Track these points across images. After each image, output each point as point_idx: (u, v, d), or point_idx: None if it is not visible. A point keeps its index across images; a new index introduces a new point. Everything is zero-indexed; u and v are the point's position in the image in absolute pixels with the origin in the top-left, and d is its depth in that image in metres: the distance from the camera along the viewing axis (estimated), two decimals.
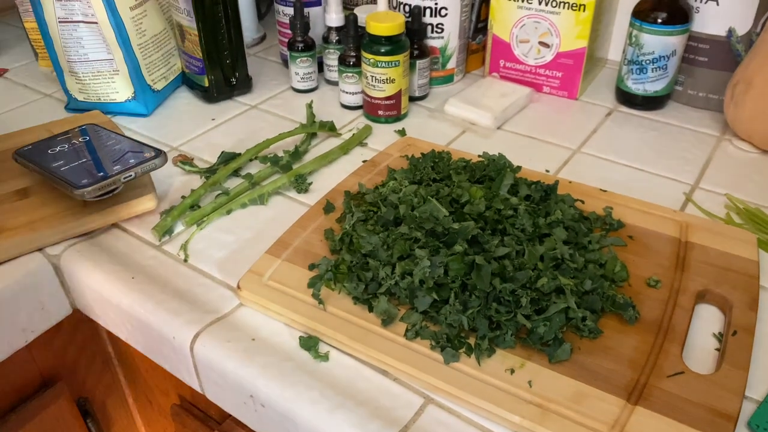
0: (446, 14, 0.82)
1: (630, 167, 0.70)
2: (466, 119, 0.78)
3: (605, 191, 0.62)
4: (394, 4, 0.83)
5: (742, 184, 0.66)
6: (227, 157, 0.70)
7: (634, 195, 0.62)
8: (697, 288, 0.51)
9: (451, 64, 0.87)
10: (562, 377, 0.44)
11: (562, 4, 0.77)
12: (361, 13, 0.84)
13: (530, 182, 0.59)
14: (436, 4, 0.81)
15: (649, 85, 0.78)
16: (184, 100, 0.86)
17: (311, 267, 0.53)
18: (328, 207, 0.60)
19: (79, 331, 0.70)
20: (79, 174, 0.58)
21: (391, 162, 0.67)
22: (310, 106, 0.79)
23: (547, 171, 0.68)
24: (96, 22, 0.75)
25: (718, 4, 0.73)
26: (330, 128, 0.76)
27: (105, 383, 0.77)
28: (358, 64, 0.79)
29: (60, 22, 0.75)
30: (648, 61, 0.76)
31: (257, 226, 0.62)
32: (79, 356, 0.72)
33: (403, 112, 0.79)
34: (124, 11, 0.75)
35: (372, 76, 0.76)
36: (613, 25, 0.90)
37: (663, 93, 0.78)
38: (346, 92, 0.81)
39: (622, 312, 0.48)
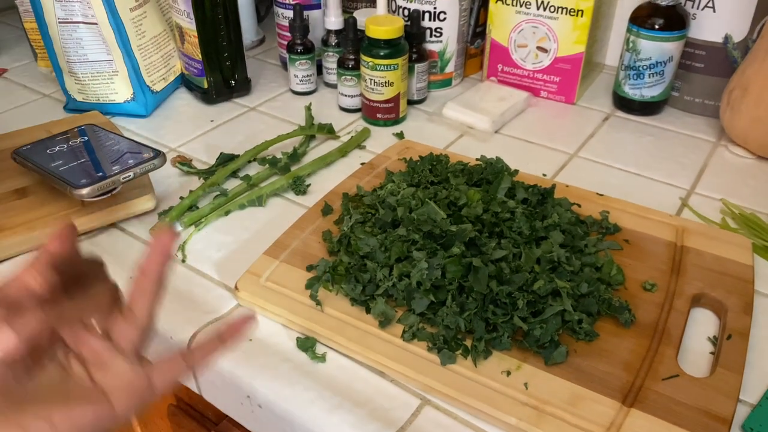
0: (445, 18, 0.82)
1: (626, 172, 0.70)
2: (464, 123, 0.79)
3: (602, 195, 0.63)
4: (394, 8, 0.84)
5: (738, 189, 0.67)
6: (226, 159, 0.70)
7: (630, 199, 0.62)
8: (693, 292, 0.51)
9: (450, 68, 0.87)
10: (558, 379, 0.44)
11: (560, 10, 0.78)
12: (361, 16, 0.84)
13: (527, 186, 0.59)
14: (435, 8, 0.81)
15: (646, 90, 0.78)
16: (183, 101, 0.86)
17: (309, 268, 0.53)
18: (326, 209, 0.60)
19: None
20: (77, 174, 0.58)
21: (389, 165, 0.68)
22: (308, 108, 0.79)
23: (545, 175, 0.69)
24: (96, 23, 0.75)
25: (714, 11, 0.73)
26: (328, 131, 0.76)
27: None
28: (356, 67, 0.79)
29: (60, 22, 0.75)
30: (645, 67, 0.76)
31: (255, 227, 0.62)
32: None
33: (401, 116, 0.80)
34: (124, 12, 0.75)
35: (371, 79, 0.76)
36: (610, 30, 0.90)
37: (660, 98, 0.79)
38: (345, 95, 0.81)
39: (617, 315, 0.48)
